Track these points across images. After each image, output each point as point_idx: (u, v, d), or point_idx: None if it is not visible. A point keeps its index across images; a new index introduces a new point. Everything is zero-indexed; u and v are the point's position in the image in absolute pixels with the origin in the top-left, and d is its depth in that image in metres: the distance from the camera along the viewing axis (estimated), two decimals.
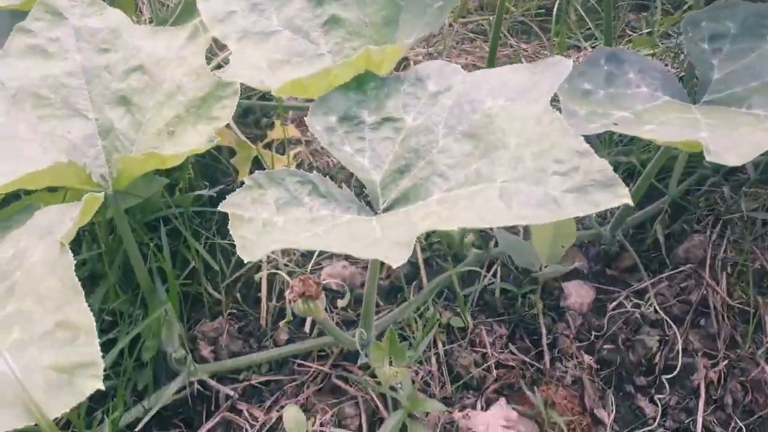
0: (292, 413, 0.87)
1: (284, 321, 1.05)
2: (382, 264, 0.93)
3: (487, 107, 0.72)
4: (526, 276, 1.13)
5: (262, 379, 1.01)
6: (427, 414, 0.90)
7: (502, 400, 0.93)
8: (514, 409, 0.92)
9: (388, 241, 0.58)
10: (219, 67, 0.86)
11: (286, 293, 0.84)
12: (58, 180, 0.77)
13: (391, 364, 0.83)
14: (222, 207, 0.69)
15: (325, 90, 0.81)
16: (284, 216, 0.71)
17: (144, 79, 0.85)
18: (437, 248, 1.18)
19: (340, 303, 1.09)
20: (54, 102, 0.84)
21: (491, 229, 1.20)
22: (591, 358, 1.03)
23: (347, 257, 1.20)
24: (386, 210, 0.75)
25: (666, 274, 1.11)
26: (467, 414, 0.90)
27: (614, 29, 1.60)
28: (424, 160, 0.75)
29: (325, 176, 0.76)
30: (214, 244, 1.16)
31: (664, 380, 0.98)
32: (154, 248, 1.01)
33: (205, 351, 1.02)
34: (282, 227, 0.69)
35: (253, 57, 0.90)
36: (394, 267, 0.52)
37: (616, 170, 0.59)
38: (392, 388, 0.89)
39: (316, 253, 1.19)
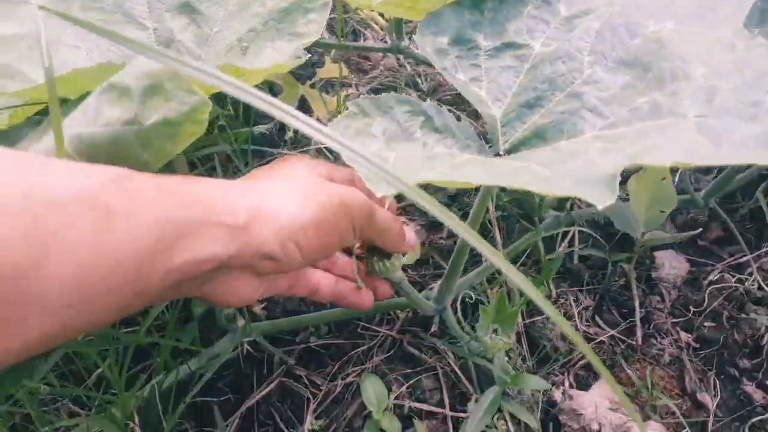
0: (371, 384, 0.74)
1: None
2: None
3: (650, 31, 0.58)
4: (608, 242, 1.00)
5: (322, 342, 0.88)
6: (519, 391, 0.78)
7: (603, 379, 0.81)
8: None
9: (569, 178, 0.44)
10: None
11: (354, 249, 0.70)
12: None
13: (495, 332, 0.71)
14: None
15: (436, 5, 0.67)
16: (395, 152, 0.57)
17: None
18: (507, 208, 1.04)
19: (407, 259, 0.95)
20: (105, 5, 0.68)
21: None
22: (689, 335, 0.90)
23: (406, 211, 1.06)
24: (510, 151, 0.62)
25: (766, 248, 0.99)
26: (569, 394, 0.77)
27: None
28: (564, 92, 0.61)
29: None
30: None
31: None
32: None
33: (257, 307, 0.89)
34: (394, 164, 0.55)
35: None
36: (599, 208, 0.39)
37: None
38: (487, 359, 0.76)
39: None
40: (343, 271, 0.68)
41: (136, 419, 0.77)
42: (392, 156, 0.56)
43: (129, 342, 0.78)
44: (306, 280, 0.64)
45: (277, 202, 0.50)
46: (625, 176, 0.98)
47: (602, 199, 0.40)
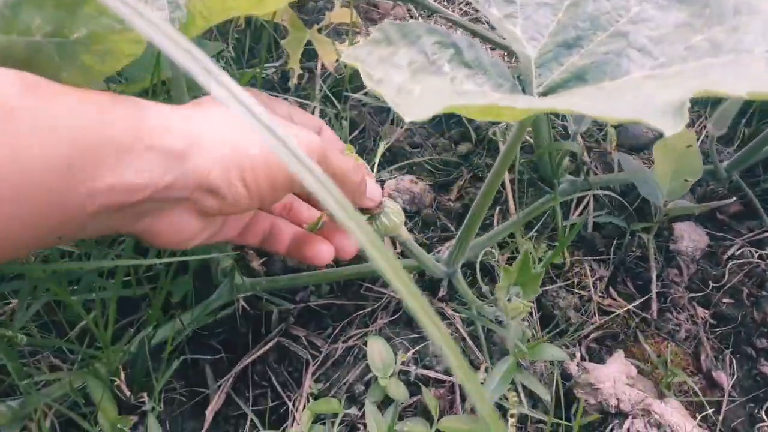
0: (377, 347, 0.69)
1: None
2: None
3: None
4: (623, 211, 0.95)
5: (323, 302, 0.83)
6: (532, 362, 0.73)
7: (620, 353, 0.76)
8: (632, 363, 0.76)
9: (627, 106, 0.39)
10: None
11: None
12: None
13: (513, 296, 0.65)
14: (344, 58, 0.49)
15: None
16: (420, 85, 0.51)
17: None
18: (522, 171, 0.99)
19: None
20: None
21: (590, 156, 1.02)
22: (706, 312, 0.86)
23: (413, 170, 1.01)
24: (545, 94, 0.56)
25: None
26: (585, 367, 0.73)
27: None
28: (607, 32, 0.55)
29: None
30: None
31: None
32: None
33: (255, 262, 0.83)
34: (419, 98, 0.50)
35: None
36: (667, 134, 0.34)
37: None
38: (498, 322, 0.71)
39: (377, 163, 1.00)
40: (302, 221, 0.62)
41: (122, 376, 0.72)
42: (418, 89, 0.51)
43: (117, 292, 0.72)
44: (258, 227, 0.58)
45: (223, 131, 0.44)
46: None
47: (671, 126, 0.35)
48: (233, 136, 0.44)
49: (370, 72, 0.49)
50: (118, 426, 0.70)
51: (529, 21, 0.59)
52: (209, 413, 0.74)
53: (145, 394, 0.71)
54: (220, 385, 0.76)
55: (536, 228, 0.91)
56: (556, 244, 0.87)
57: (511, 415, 0.70)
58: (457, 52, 0.54)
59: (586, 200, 0.97)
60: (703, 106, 1.11)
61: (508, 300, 0.64)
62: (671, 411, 0.72)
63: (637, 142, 1.04)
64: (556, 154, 0.90)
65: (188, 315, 0.75)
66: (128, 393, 0.71)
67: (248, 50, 1.03)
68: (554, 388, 0.73)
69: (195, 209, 0.45)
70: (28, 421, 0.70)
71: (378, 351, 0.69)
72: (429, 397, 0.69)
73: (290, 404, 0.74)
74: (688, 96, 0.36)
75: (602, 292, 0.86)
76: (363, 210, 0.60)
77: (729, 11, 0.48)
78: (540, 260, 0.86)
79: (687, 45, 0.49)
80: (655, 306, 0.85)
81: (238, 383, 0.77)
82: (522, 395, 0.71)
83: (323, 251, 0.58)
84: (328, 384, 0.75)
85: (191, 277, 0.77)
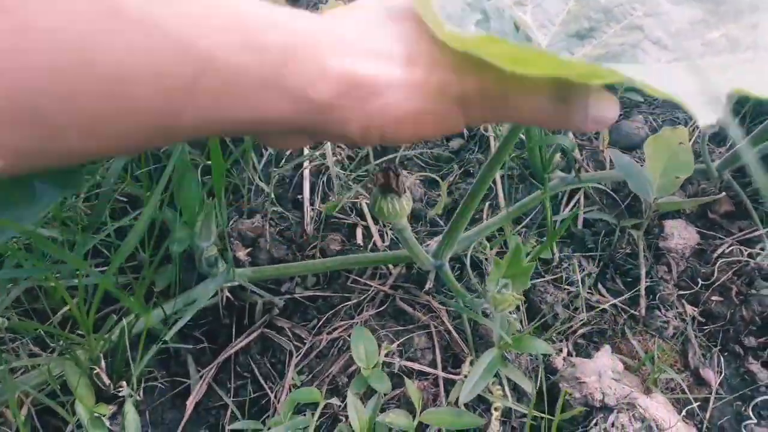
0: (361, 338, 0.65)
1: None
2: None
3: None
4: (614, 209, 0.92)
5: (308, 293, 0.79)
6: (517, 356, 0.71)
7: (607, 348, 0.74)
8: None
9: (680, 84, 0.36)
10: None
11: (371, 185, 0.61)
12: None
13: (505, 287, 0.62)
14: None
15: None
16: None
17: None
18: (513, 167, 0.96)
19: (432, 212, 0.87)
20: None
21: (581, 154, 0.99)
22: (694, 309, 0.84)
23: (404, 164, 0.97)
24: None
25: None
26: (571, 361, 0.70)
27: None
28: (621, 24, 0.52)
29: None
30: None
31: None
32: None
33: (241, 253, 0.79)
34: None
35: None
36: (702, 125, 0.30)
37: None
38: (484, 315, 0.68)
39: (371, 152, 0.96)
40: None
41: (102, 364, 0.68)
42: None
43: (100, 281, 0.68)
44: None
45: (379, 74, 0.35)
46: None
47: (706, 116, 0.32)
48: (388, 85, 0.35)
49: None
50: (96, 414, 0.66)
51: (539, 8, 0.55)
52: (190, 403, 0.71)
53: (124, 383, 0.68)
54: (201, 376, 0.73)
55: (525, 223, 0.88)
56: (545, 239, 0.84)
57: (495, 408, 0.67)
58: (484, 18, 0.51)
59: (576, 197, 0.94)
60: None
61: (498, 292, 0.61)
62: (656, 405, 0.70)
63: (630, 141, 1.01)
64: (548, 148, 0.87)
65: (170, 306, 0.71)
66: (108, 381, 0.67)
67: None
68: (539, 381, 0.70)
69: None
70: (4, 408, 0.66)
71: (362, 342, 0.65)
72: (412, 389, 0.66)
73: (272, 395, 0.71)
74: (724, 92, 0.33)
75: (591, 288, 0.84)
76: (386, 189, 0.58)
77: (745, 8, 0.45)
78: (528, 254, 0.83)
79: (704, 41, 0.46)
80: (643, 303, 0.83)
81: (221, 374, 0.74)
82: (507, 388, 0.68)
83: None
84: (311, 376, 0.72)
85: (175, 266, 0.73)
